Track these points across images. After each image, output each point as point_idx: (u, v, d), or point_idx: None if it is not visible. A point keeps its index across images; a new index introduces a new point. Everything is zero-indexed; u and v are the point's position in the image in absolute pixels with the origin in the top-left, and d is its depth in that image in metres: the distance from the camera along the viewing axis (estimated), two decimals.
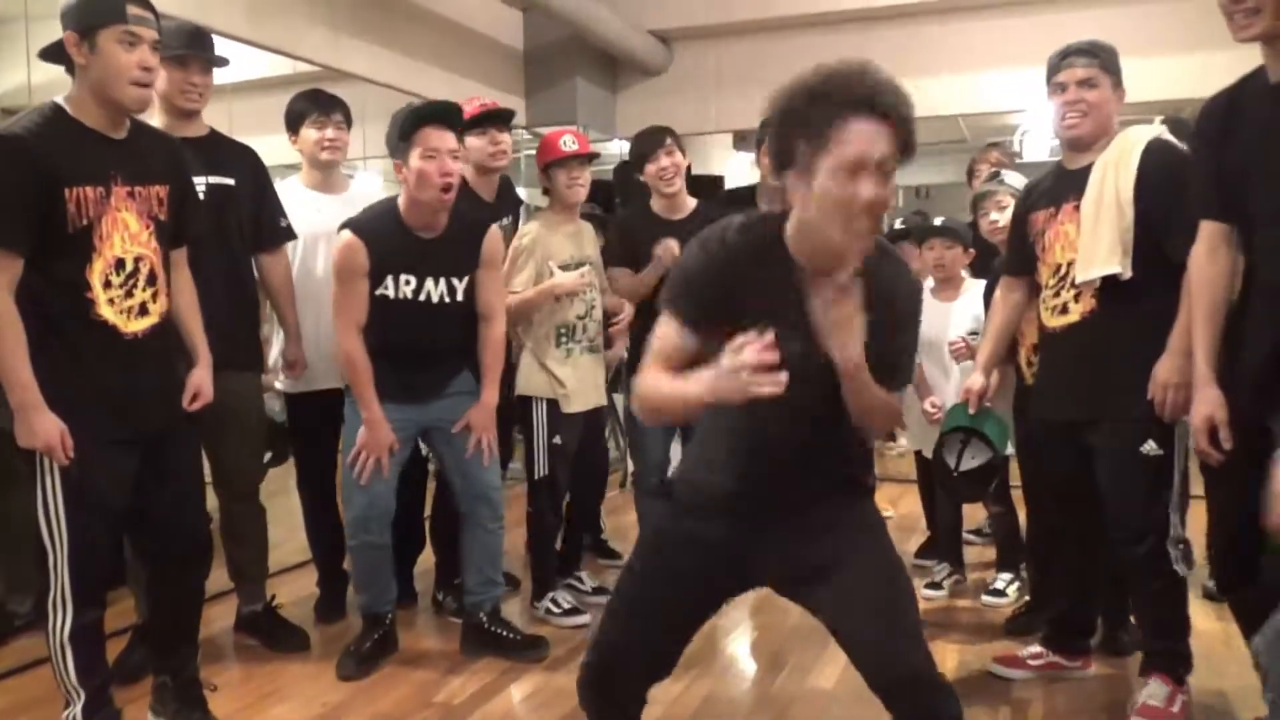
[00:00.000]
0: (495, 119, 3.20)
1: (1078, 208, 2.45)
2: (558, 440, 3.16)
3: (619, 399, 4.17)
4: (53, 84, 2.27)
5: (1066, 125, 2.49)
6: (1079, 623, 2.78)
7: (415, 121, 2.66)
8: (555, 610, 3.23)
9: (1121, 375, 2.38)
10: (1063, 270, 2.51)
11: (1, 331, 2.04)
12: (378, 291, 2.72)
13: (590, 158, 3.23)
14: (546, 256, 3.11)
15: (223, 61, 2.87)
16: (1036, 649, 2.78)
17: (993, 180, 3.23)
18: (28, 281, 2.08)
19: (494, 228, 2.90)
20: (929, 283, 3.77)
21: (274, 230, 2.98)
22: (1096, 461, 2.49)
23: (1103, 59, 2.46)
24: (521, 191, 3.50)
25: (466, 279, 2.80)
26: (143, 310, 2.21)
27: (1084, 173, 2.47)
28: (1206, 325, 2.11)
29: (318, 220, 3.13)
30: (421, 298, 2.75)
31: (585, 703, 1.83)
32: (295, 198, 3.14)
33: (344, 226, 2.73)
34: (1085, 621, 2.79)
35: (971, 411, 2.75)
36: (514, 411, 3.25)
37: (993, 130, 7.61)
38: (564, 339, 3.15)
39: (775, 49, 6.00)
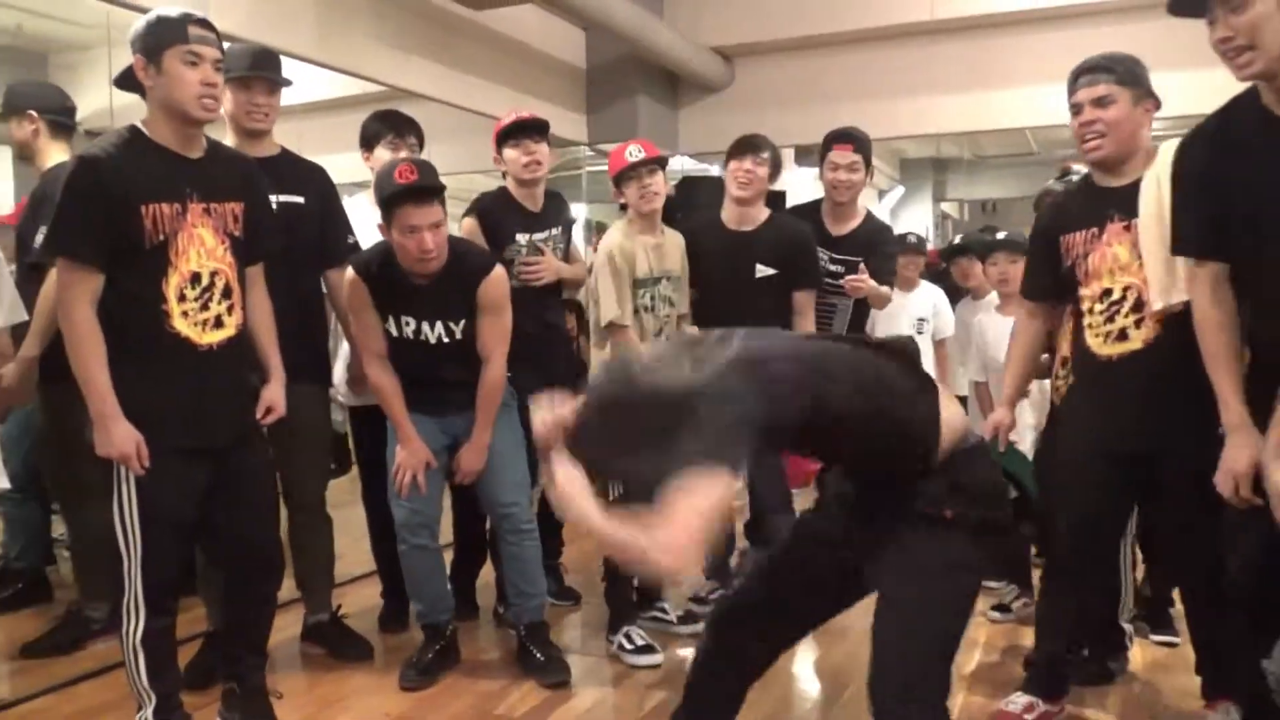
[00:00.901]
0: (527, 130, 3.17)
1: (1127, 228, 2.32)
2: None
3: None
4: (132, 107, 2.35)
5: (1087, 149, 2.37)
6: (1067, 663, 2.63)
7: (394, 199, 2.64)
8: (628, 647, 3.11)
9: (1192, 406, 2.20)
10: (1115, 294, 2.35)
11: (83, 343, 2.12)
12: (385, 327, 2.79)
13: (660, 162, 3.16)
14: (628, 274, 3.05)
15: (286, 82, 2.94)
16: (1026, 699, 2.57)
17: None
18: (104, 296, 2.16)
19: (496, 271, 2.80)
20: (992, 298, 3.71)
21: (342, 247, 3.04)
22: (1163, 497, 2.38)
23: (1119, 72, 2.32)
24: (582, 208, 3.50)
25: (463, 322, 2.79)
26: (218, 323, 2.27)
27: (1126, 190, 2.32)
28: (1229, 368, 2.01)
29: None
30: (421, 338, 2.80)
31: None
32: (363, 215, 3.20)
33: (350, 263, 2.82)
34: (1072, 661, 2.66)
35: (1001, 449, 2.63)
36: None
37: (1062, 143, 7.48)
38: None
39: (837, 64, 5.97)
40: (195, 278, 2.23)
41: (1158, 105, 2.39)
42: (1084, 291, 2.42)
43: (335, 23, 4.19)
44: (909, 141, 7.89)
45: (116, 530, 2.24)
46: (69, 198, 2.14)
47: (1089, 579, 2.57)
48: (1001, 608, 3.42)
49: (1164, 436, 2.31)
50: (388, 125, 3.25)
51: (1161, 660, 3.04)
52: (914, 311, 4.33)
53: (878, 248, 3.40)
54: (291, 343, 2.71)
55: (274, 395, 2.45)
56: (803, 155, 6.86)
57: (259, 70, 2.85)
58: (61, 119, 3.15)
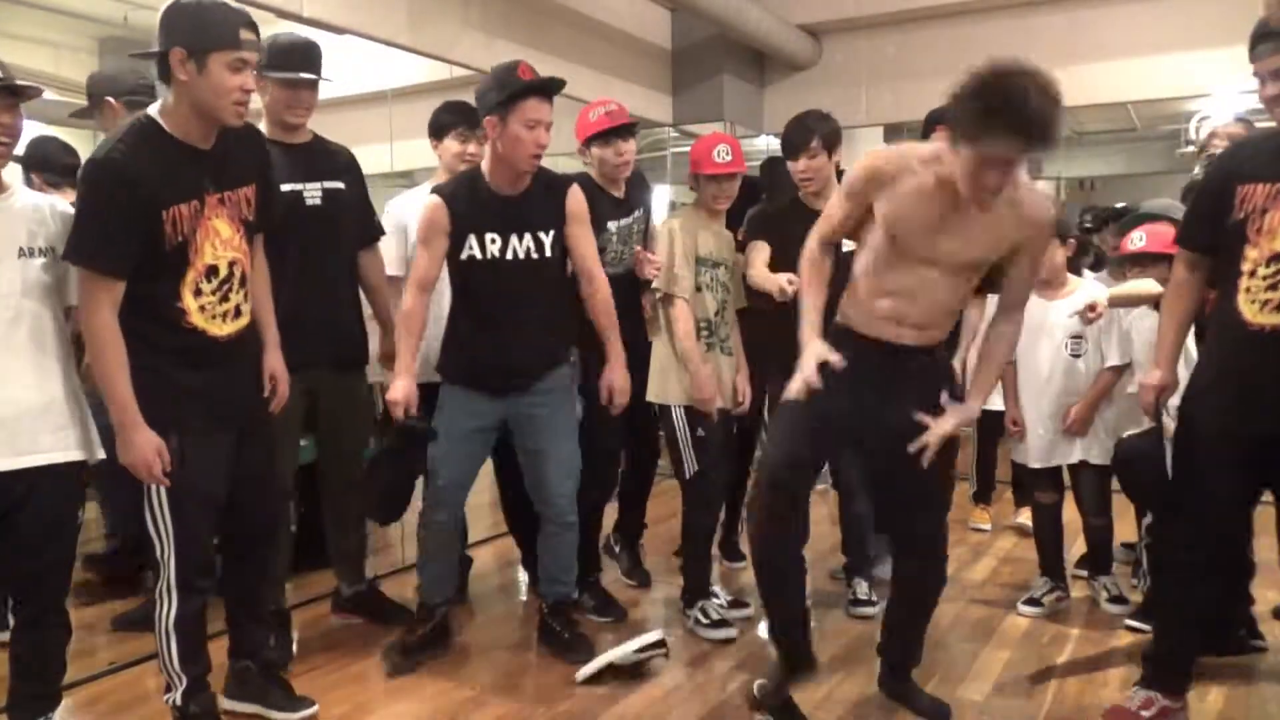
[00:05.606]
0: (619, 132, 3.18)
1: None
2: (700, 433, 3.09)
3: None
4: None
5: (1277, 119, 2.21)
6: (1192, 658, 2.48)
7: (521, 93, 2.68)
8: (703, 621, 3.13)
9: None
10: None
11: (105, 352, 2.07)
12: (463, 255, 2.74)
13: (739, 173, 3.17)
14: (692, 250, 3.07)
15: (327, 79, 2.88)
16: (1146, 694, 2.45)
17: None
18: (123, 301, 2.11)
19: (575, 185, 2.86)
20: None
21: (374, 228, 3.06)
22: None
23: None
24: (666, 189, 3.46)
25: (553, 233, 2.78)
26: (237, 313, 2.27)
27: None
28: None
29: None
30: (508, 255, 2.75)
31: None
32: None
33: (434, 190, 2.81)
34: (1195, 657, 2.51)
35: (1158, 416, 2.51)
36: (653, 413, 3.23)
37: (1166, 118, 7.16)
38: (703, 333, 3.10)
39: (928, 39, 5.82)
40: (212, 271, 2.19)
41: None
42: (1249, 252, 2.22)
43: (425, 9, 4.25)
44: None
45: (147, 520, 2.21)
46: (88, 205, 2.07)
47: (1215, 569, 2.39)
48: (1033, 601, 3.31)
49: None
50: (460, 116, 3.23)
51: None
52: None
53: None
54: (351, 329, 2.81)
55: (275, 364, 2.46)
56: (892, 134, 6.71)
57: (306, 71, 2.80)
58: (138, 98, 2.99)
